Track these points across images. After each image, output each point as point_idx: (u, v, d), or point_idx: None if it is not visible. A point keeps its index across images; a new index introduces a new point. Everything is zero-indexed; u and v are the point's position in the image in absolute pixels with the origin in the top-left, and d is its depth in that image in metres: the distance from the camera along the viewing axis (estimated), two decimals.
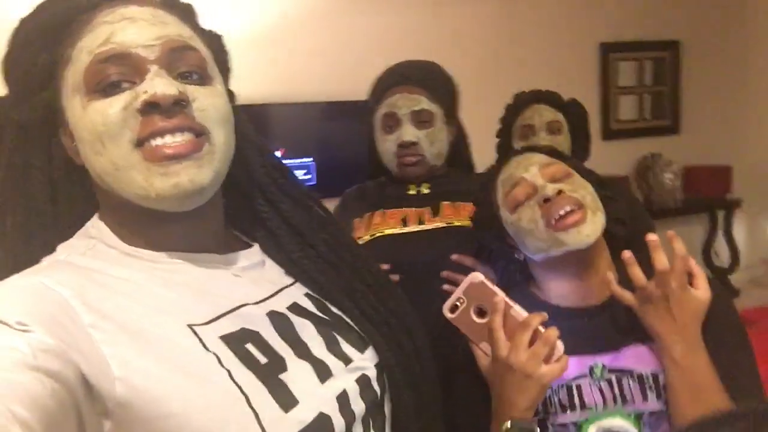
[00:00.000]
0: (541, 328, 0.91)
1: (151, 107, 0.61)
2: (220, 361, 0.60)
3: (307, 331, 0.71)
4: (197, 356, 0.59)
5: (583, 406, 0.99)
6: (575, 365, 1.01)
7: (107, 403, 0.53)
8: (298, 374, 0.65)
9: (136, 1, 0.66)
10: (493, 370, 0.96)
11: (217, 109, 0.66)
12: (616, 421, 0.98)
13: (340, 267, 0.80)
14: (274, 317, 0.69)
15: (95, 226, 0.68)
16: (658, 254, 0.95)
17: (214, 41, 0.74)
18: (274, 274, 0.77)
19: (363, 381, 0.72)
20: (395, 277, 1.30)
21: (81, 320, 0.55)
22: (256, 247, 0.78)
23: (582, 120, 1.86)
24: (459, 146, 1.53)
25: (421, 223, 1.39)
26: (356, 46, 3.09)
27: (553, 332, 0.91)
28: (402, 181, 1.47)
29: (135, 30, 0.63)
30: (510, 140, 1.82)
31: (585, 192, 1.04)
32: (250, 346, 0.63)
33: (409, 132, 1.39)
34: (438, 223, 1.38)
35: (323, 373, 0.67)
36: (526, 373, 0.90)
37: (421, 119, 1.39)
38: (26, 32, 0.65)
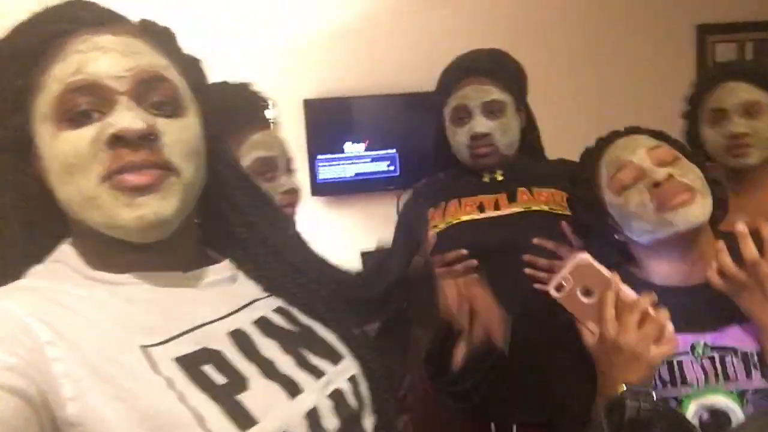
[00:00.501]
0: (651, 310, 0.91)
1: (119, 141, 0.61)
2: (170, 384, 0.58)
3: (273, 347, 0.69)
4: (145, 380, 0.58)
5: (684, 382, 0.98)
6: (679, 342, 0.99)
7: (59, 423, 0.54)
8: (261, 393, 0.63)
9: (111, 30, 0.66)
10: (600, 349, 0.95)
11: (185, 143, 0.66)
12: (718, 398, 0.96)
13: (316, 285, 0.80)
14: (238, 335, 0.68)
15: (62, 249, 0.68)
16: (747, 244, 0.94)
17: (191, 67, 0.74)
18: (245, 289, 0.76)
19: (337, 396, 0.69)
20: (473, 262, 1.30)
21: (38, 338, 0.55)
22: (225, 262, 0.76)
23: None
24: (529, 133, 1.51)
25: (497, 209, 1.38)
26: (438, 37, 3.07)
27: (664, 314, 0.90)
28: (475, 171, 1.46)
29: (106, 60, 0.63)
30: (696, 126, 1.55)
31: (695, 176, 1.02)
32: (208, 367, 0.62)
33: (481, 123, 1.38)
34: (515, 209, 1.37)
35: (291, 390, 0.65)
36: (635, 354, 0.89)
37: (492, 110, 1.38)
38: (0, 56, 0.65)
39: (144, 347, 0.60)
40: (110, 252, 0.66)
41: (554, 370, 1.12)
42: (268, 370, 0.66)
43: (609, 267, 1.10)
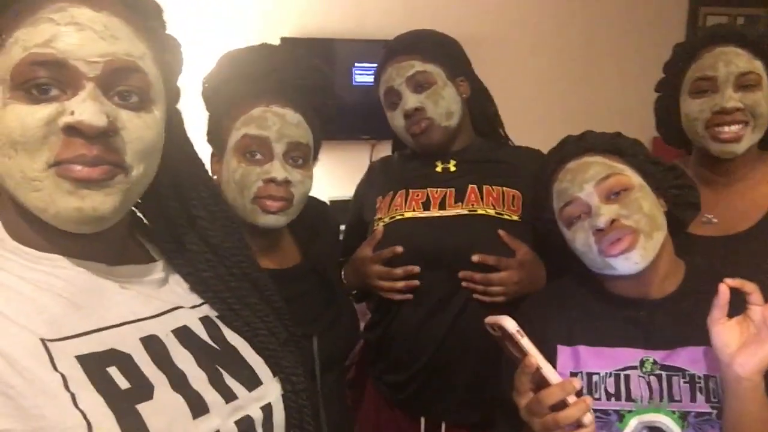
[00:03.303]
0: (571, 399, 0.86)
1: (74, 131, 0.57)
2: (65, 383, 0.55)
3: (189, 359, 0.66)
4: (40, 376, 0.54)
5: (628, 397, 0.99)
6: (627, 356, 1.01)
7: None
8: (164, 406, 0.60)
9: (91, 2, 0.60)
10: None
11: (144, 141, 0.62)
12: (660, 417, 0.97)
13: (251, 294, 0.78)
14: (152, 341, 0.64)
15: None
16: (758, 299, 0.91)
17: (170, 53, 0.69)
18: (171, 295, 0.71)
19: (245, 423, 0.67)
20: (415, 268, 1.28)
21: None
22: (158, 264, 0.72)
23: None
24: (478, 105, 1.44)
25: (442, 207, 1.33)
26: None
27: (582, 407, 0.85)
28: (426, 155, 1.40)
29: (79, 39, 0.58)
30: (676, 98, 1.31)
31: (641, 214, 0.99)
32: (113, 370, 0.58)
33: (409, 99, 1.33)
34: (460, 210, 1.32)
35: (198, 408, 0.62)
36: (545, 429, 0.87)
37: (419, 83, 1.33)
38: None
39: (45, 340, 0.56)
40: (35, 228, 0.62)
41: (488, 374, 1.13)
42: (178, 382, 0.63)
43: (560, 272, 1.11)
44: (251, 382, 0.70)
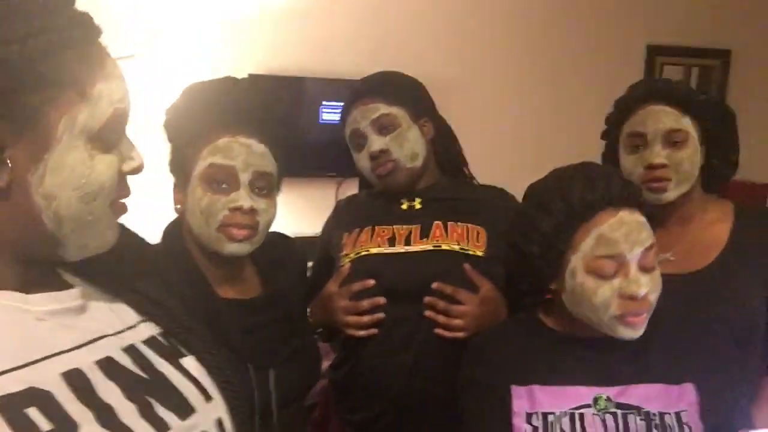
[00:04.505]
0: None
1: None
2: None
3: (115, 392, 0.63)
4: None
5: None
6: (580, 394, 1.01)
7: None
8: None
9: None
10: None
11: None
12: None
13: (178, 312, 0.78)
14: (74, 376, 0.60)
15: None
16: None
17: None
18: (94, 322, 0.68)
19: None
20: (381, 300, 1.29)
21: None
22: (75, 291, 0.68)
23: (725, 126, 1.33)
24: (442, 145, 1.46)
25: (408, 243, 1.35)
26: (392, 23, 3.04)
27: None
28: (392, 194, 1.42)
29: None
30: (615, 151, 1.37)
31: (658, 289, 1.01)
32: (32, 411, 0.55)
33: (375, 142, 1.36)
34: (425, 246, 1.34)
35: None
36: None
37: (384, 125, 1.36)
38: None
39: None
40: None
41: (456, 408, 1.12)
42: (105, 417, 0.60)
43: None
44: (183, 410, 0.68)
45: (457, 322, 1.26)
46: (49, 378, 0.58)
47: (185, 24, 2.82)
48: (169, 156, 1.14)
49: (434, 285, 1.27)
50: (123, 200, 0.67)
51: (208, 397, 0.72)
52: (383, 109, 1.35)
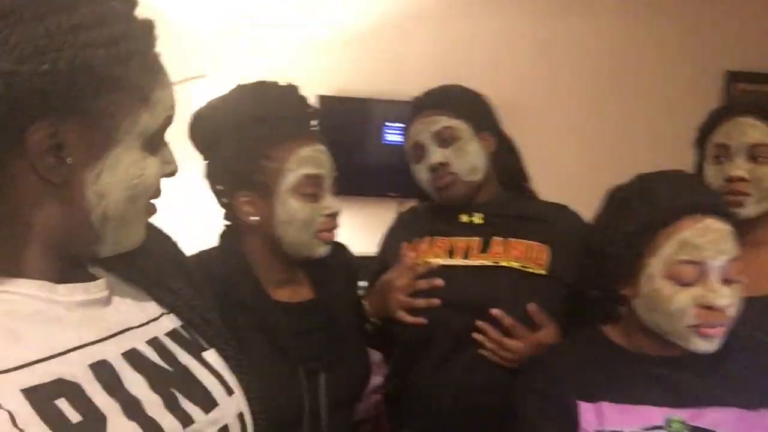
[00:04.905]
0: None
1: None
2: (13, 420, 0.51)
3: (142, 384, 0.63)
4: None
5: None
6: (652, 414, 0.96)
7: None
8: None
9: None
10: None
11: None
12: None
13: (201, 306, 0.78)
14: (102, 367, 0.61)
15: None
16: None
17: None
18: (119, 314, 0.68)
19: None
20: (436, 301, 1.25)
21: None
22: (101, 282, 0.68)
23: None
24: (505, 160, 1.43)
25: (466, 257, 1.32)
26: (461, 46, 3.04)
27: None
28: (452, 208, 1.40)
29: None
30: (702, 159, 1.35)
31: (737, 302, 0.97)
32: (62, 402, 0.55)
33: (434, 154, 1.34)
34: (484, 260, 1.30)
35: None
36: None
37: (444, 138, 1.34)
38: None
39: None
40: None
41: (505, 423, 1.10)
42: (132, 409, 0.60)
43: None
44: (207, 403, 0.68)
45: (506, 354, 1.22)
46: (77, 369, 0.59)
47: (254, 45, 2.90)
48: (217, 166, 1.14)
49: (494, 311, 1.23)
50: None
51: (230, 391, 0.72)
52: (445, 121, 1.34)
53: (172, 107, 0.67)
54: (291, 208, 1.08)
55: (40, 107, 0.55)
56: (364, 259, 1.43)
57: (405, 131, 1.43)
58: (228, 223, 1.18)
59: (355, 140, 3.04)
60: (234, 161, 1.10)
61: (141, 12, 0.64)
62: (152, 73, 0.64)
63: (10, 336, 0.57)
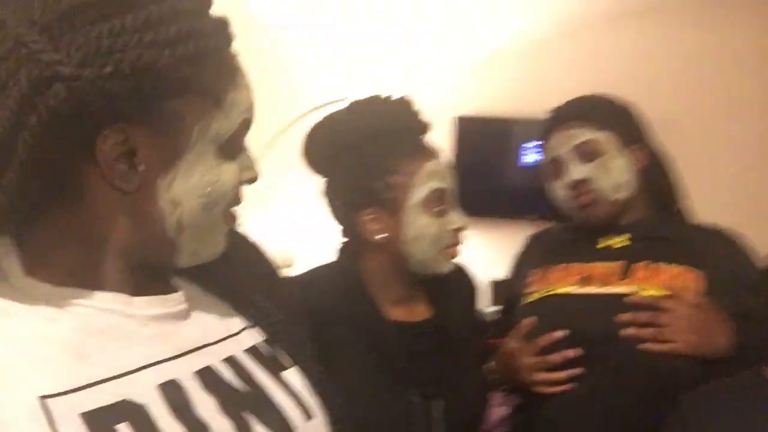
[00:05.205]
0: None
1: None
2: None
3: (212, 406, 0.59)
4: None
5: None
6: None
7: None
8: None
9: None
10: None
11: None
12: None
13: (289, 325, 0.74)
14: (171, 388, 0.57)
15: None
16: None
17: None
18: (197, 328, 0.65)
19: None
20: (571, 352, 1.13)
21: None
22: (179, 294, 0.65)
23: None
24: (655, 176, 1.28)
25: (605, 284, 1.18)
26: (605, 64, 2.91)
27: None
28: (592, 229, 1.27)
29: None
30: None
31: None
32: (123, 427, 0.51)
33: (574, 170, 1.22)
34: (623, 289, 1.16)
35: None
36: None
37: (586, 152, 1.22)
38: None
39: (44, 398, 0.49)
40: (63, 258, 0.57)
41: None
42: None
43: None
44: (283, 428, 0.63)
45: (668, 331, 1.08)
46: (145, 390, 0.55)
47: (393, 68, 2.95)
48: (348, 185, 1.10)
49: (626, 298, 1.12)
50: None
51: (309, 416, 0.67)
52: (588, 134, 1.23)
53: (248, 110, 0.63)
54: (420, 224, 1.05)
55: (108, 113, 0.53)
56: (502, 283, 1.37)
57: (541, 146, 1.33)
58: (345, 239, 1.15)
59: (491, 161, 2.99)
60: (358, 178, 1.08)
61: (231, 14, 0.61)
62: (226, 74, 0.60)
63: (77, 353, 0.54)
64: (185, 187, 0.58)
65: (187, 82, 0.56)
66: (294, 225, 2.82)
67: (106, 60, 0.51)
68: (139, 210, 0.58)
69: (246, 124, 0.63)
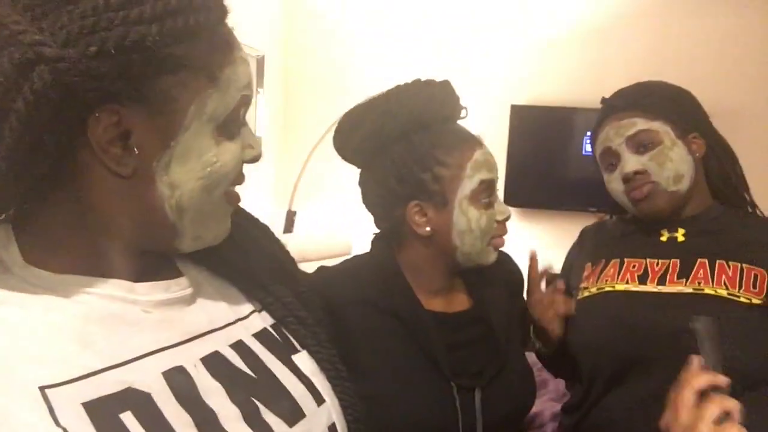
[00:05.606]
0: None
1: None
2: None
3: (219, 393, 0.57)
4: None
5: None
6: None
7: None
8: None
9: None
10: None
11: None
12: None
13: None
14: (177, 374, 0.55)
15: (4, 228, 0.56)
16: None
17: None
18: (202, 313, 0.62)
19: None
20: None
21: None
22: (183, 279, 0.63)
23: None
24: (717, 167, 1.21)
25: (662, 282, 1.13)
26: (667, 55, 2.81)
27: None
28: (650, 222, 1.21)
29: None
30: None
31: None
32: (127, 416, 0.49)
33: (629, 161, 1.16)
34: (683, 288, 1.11)
35: None
36: None
37: (641, 142, 1.16)
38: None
39: (44, 388, 0.47)
40: (64, 246, 0.56)
41: None
42: (206, 422, 0.54)
43: None
44: (293, 415, 0.61)
45: None
46: (149, 377, 0.53)
47: (446, 55, 2.92)
48: (392, 177, 1.05)
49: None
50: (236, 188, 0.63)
51: (320, 400, 0.65)
52: (641, 124, 1.17)
53: (247, 86, 0.60)
54: (471, 217, 1.02)
55: (98, 94, 0.50)
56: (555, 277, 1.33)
57: (593, 137, 1.27)
58: (379, 230, 1.13)
59: (552, 151, 2.93)
60: (404, 169, 1.03)
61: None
62: (220, 49, 0.57)
63: (80, 341, 0.52)
64: (183, 169, 0.56)
65: (178, 59, 0.53)
66: (351, 213, 2.85)
67: (91, 39, 0.48)
68: (137, 194, 0.56)
69: (245, 101, 0.60)
